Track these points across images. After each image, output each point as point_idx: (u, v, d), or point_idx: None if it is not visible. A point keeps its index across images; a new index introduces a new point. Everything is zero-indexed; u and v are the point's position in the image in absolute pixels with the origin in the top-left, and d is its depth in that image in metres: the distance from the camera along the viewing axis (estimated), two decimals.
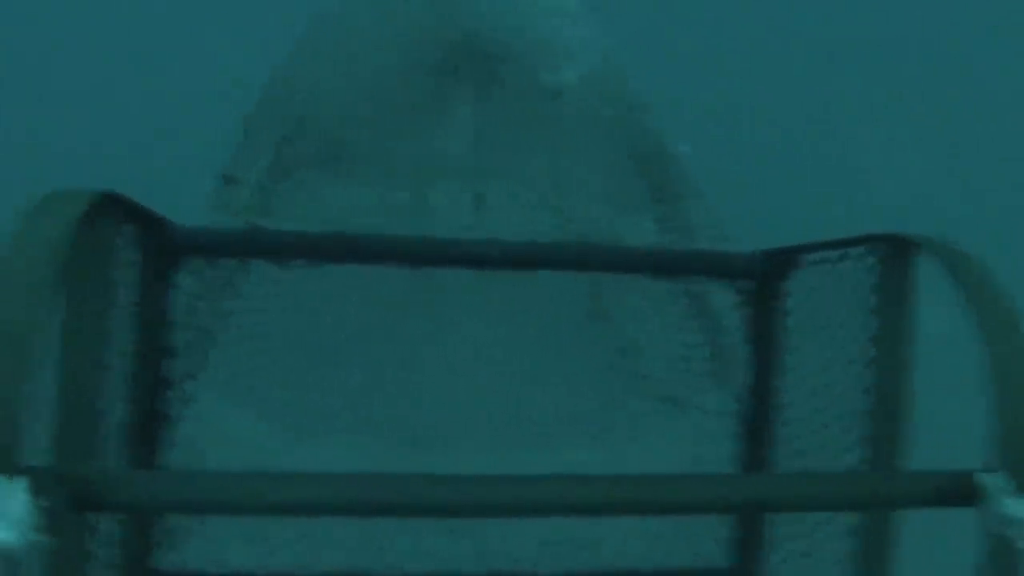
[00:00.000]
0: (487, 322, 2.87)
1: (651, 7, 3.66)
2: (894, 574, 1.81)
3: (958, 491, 1.25)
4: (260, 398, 2.55)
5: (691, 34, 3.81)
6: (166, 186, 2.25)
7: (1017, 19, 4.05)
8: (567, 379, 2.89)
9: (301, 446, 2.56)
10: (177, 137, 3.36)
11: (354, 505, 1.25)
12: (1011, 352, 1.35)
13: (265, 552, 2.21)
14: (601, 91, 3.12)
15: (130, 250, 1.93)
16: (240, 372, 2.48)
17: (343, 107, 2.92)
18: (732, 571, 2.38)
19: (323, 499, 1.23)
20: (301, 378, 2.65)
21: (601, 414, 2.84)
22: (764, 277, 2.42)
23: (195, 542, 2.16)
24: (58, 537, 1.06)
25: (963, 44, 4.05)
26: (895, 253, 1.89)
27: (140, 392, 1.98)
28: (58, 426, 1.51)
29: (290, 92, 2.87)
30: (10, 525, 1.00)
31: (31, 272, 1.15)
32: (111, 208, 1.68)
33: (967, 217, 3.48)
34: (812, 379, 2.20)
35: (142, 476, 1.38)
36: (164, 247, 2.12)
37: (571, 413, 2.85)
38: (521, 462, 2.62)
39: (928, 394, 1.91)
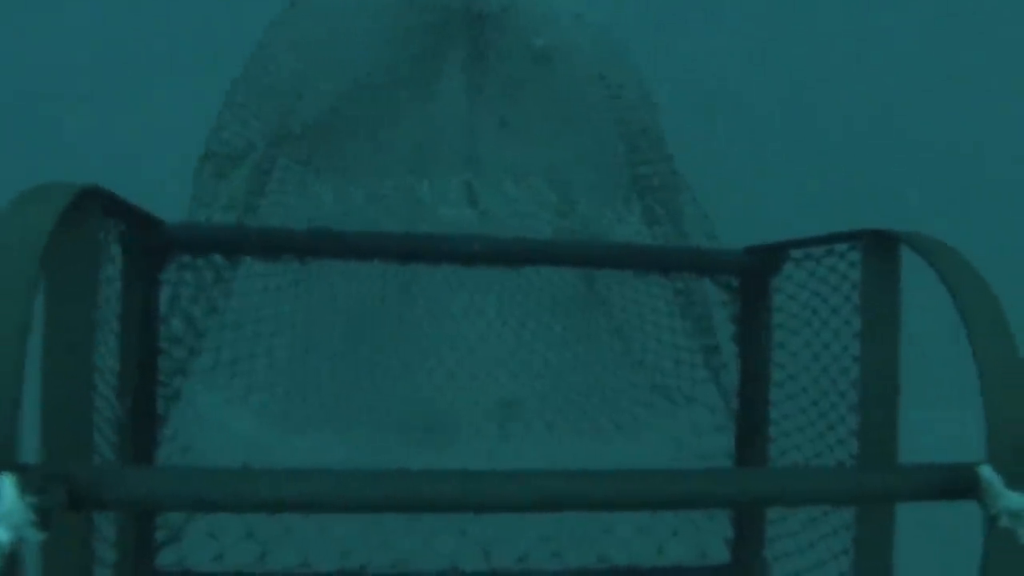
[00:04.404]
0: (480, 312, 2.87)
1: None
2: (893, 569, 1.83)
3: (959, 484, 1.26)
4: (251, 393, 2.54)
5: (683, 22, 3.82)
6: (152, 181, 2.24)
7: (1007, 16, 4.10)
8: (561, 370, 2.90)
9: (293, 441, 2.55)
10: (164, 130, 3.33)
11: (350, 501, 1.25)
12: (997, 345, 1.37)
13: (264, 550, 2.20)
14: (594, 64, 3.10)
15: (116, 246, 1.91)
16: (231, 367, 2.46)
17: (331, 76, 2.88)
18: (730, 567, 2.40)
19: (318, 495, 1.23)
20: (293, 373, 2.64)
21: (595, 405, 2.85)
22: (750, 273, 2.43)
23: (193, 540, 2.14)
24: (53, 535, 1.06)
25: (953, 41, 4.09)
26: (880, 248, 1.91)
27: (130, 389, 1.96)
28: (47, 424, 1.49)
29: (275, 60, 2.83)
30: (3, 523, 0.99)
31: (14, 268, 1.14)
32: (95, 203, 1.66)
33: (952, 212, 3.53)
34: (801, 375, 2.22)
35: (136, 473, 1.37)
36: (150, 243, 2.10)
37: (565, 404, 2.86)
38: (515, 454, 2.63)
39: (921, 388, 1.93)
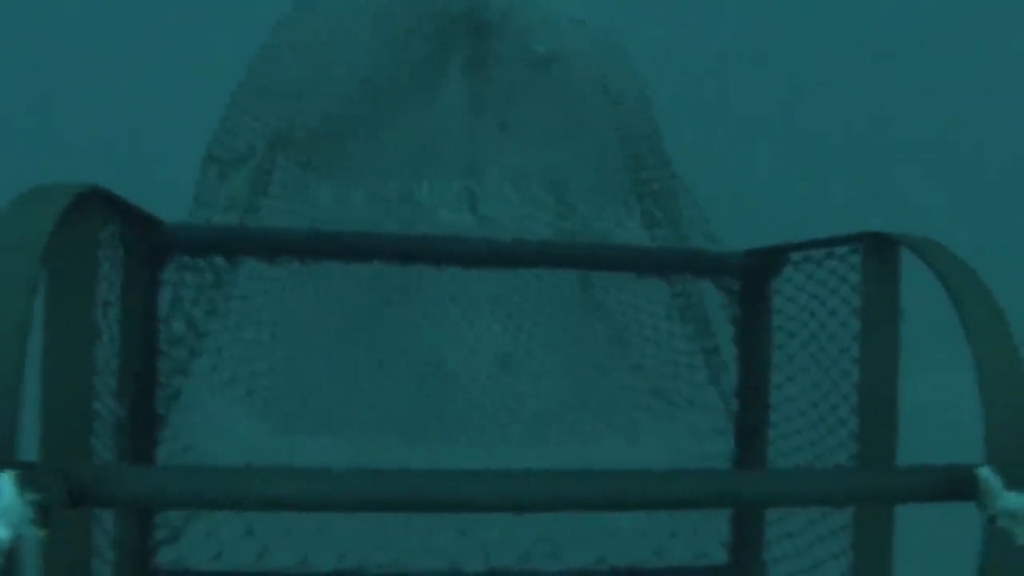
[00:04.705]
0: (480, 315, 2.87)
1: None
2: (892, 570, 1.83)
3: (958, 485, 1.26)
4: (251, 394, 2.54)
5: (687, 25, 3.83)
6: (154, 182, 2.24)
7: (1006, 16, 4.10)
8: (560, 373, 2.90)
9: (292, 442, 2.55)
10: (165, 132, 3.34)
11: (349, 501, 1.25)
12: (996, 347, 1.37)
13: (264, 549, 2.20)
14: (594, 70, 3.11)
15: (117, 247, 1.91)
16: (231, 368, 2.47)
17: (333, 80, 2.89)
18: (729, 568, 2.40)
19: (318, 495, 1.23)
20: (292, 374, 2.64)
21: (594, 409, 2.85)
22: (750, 276, 2.44)
23: (192, 539, 2.14)
24: (53, 533, 1.06)
25: (952, 43, 4.10)
26: (880, 252, 1.91)
27: (130, 389, 1.96)
28: (47, 423, 1.50)
29: (278, 64, 2.83)
30: (2, 520, 0.99)
31: (14, 267, 1.14)
32: (96, 203, 1.67)
33: (950, 215, 3.54)
34: (800, 377, 2.22)
35: (134, 471, 1.37)
36: (151, 243, 2.10)
37: (564, 408, 2.86)
38: (515, 457, 2.63)
39: (919, 389, 1.93)
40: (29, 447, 1.22)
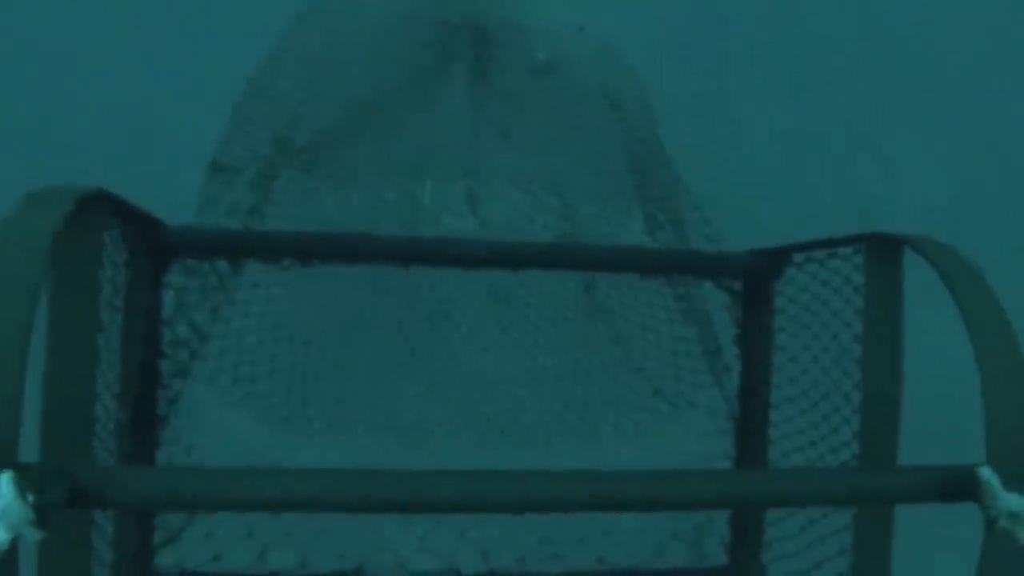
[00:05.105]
0: (481, 318, 2.88)
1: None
2: (891, 570, 1.83)
3: (958, 486, 1.26)
4: (253, 397, 2.54)
5: (687, 28, 3.83)
6: (157, 185, 2.25)
7: (1005, 20, 4.10)
8: (562, 375, 2.90)
9: (293, 444, 2.55)
10: (169, 135, 3.35)
11: (349, 501, 1.25)
12: (999, 348, 1.37)
13: (263, 551, 2.21)
14: (594, 76, 3.12)
15: (120, 249, 1.92)
16: (232, 371, 2.47)
17: (336, 89, 2.90)
18: (728, 569, 2.39)
19: (318, 495, 1.23)
20: (294, 377, 2.64)
21: (596, 410, 2.85)
22: (752, 277, 2.43)
23: (192, 540, 2.15)
24: (52, 534, 1.06)
25: (951, 47, 4.10)
26: (884, 252, 1.91)
27: (132, 391, 1.96)
28: (48, 424, 1.50)
29: (282, 75, 2.85)
30: (1, 521, 0.99)
31: (19, 268, 1.14)
32: (100, 206, 1.67)
33: (954, 215, 3.53)
34: (803, 378, 2.22)
35: (136, 472, 1.37)
36: (155, 246, 2.11)
37: (566, 409, 2.86)
38: (516, 459, 2.63)
39: (922, 390, 1.93)
40: (30, 448, 1.23)
